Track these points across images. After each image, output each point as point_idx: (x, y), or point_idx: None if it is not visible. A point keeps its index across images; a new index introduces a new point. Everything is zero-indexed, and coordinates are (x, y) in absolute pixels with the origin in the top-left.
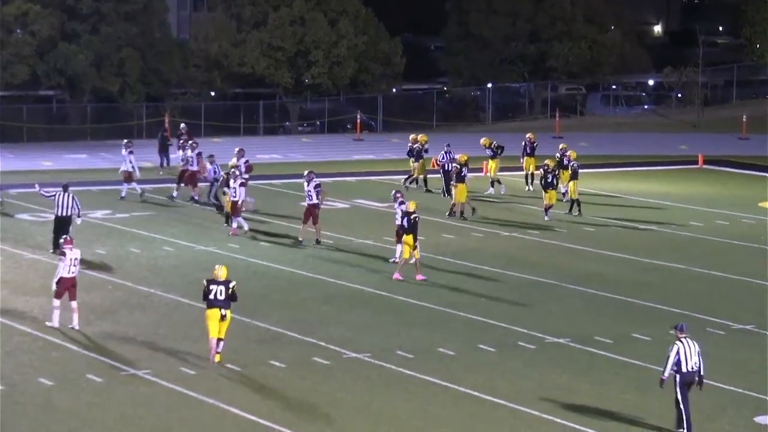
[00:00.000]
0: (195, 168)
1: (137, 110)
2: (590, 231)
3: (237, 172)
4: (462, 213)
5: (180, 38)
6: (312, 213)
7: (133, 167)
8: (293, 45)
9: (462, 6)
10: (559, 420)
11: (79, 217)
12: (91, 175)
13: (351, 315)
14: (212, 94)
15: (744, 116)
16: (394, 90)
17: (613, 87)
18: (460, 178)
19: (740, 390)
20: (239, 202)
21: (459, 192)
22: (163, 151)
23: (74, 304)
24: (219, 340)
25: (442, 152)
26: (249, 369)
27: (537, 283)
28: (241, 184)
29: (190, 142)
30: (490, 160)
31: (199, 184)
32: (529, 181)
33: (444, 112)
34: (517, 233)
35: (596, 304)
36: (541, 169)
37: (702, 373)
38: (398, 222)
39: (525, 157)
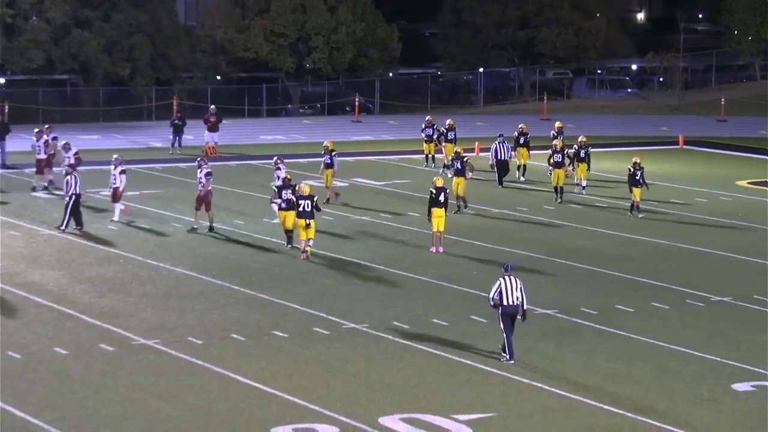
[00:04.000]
0: (42, 156)
1: (147, 93)
2: (576, 208)
3: (119, 159)
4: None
5: (187, 25)
6: (204, 200)
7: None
8: (295, 31)
9: None
10: (546, 387)
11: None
12: (103, 155)
13: (350, 288)
14: (218, 77)
15: (722, 99)
16: (390, 74)
17: (599, 71)
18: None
19: (719, 359)
20: (121, 189)
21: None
22: (177, 132)
23: None
24: (309, 239)
25: (496, 142)
26: (253, 338)
27: (526, 258)
28: (122, 172)
29: (38, 129)
30: (446, 144)
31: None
32: (521, 171)
33: (438, 95)
34: (507, 210)
35: (582, 278)
36: (630, 167)
37: (525, 306)
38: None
39: (518, 148)
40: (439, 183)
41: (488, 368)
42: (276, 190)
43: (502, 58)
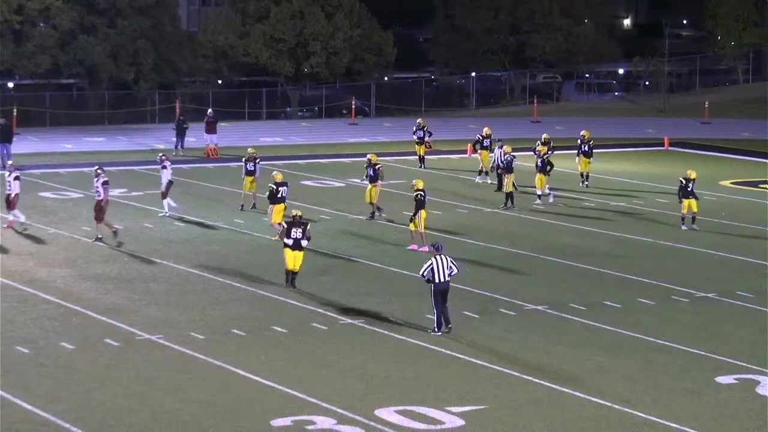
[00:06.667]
0: None
1: (150, 97)
2: (566, 207)
3: (14, 166)
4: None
5: (190, 31)
6: (100, 209)
7: None
8: (293, 37)
9: (448, 0)
10: (536, 380)
11: None
12: (108, 156)
13: (347, 284)
14: (219, 82)
15: (706, 102)
16: (385, 78)
17: (587, 75)
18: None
19: (702, 352)
20: (12, 195)
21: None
22: (180, 134)
23: None
24: (280, 224)
25: (497, 149)
26: (253, 333)
27: (517, 255)
28: (16, 178)
29: None
30: (482, 151)
31: None
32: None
33: (432, 99)
34: (498, 210)
35: (571, 274)
36: (682, 179)
37: (452, 274)
38: (164, 181)
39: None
40: (418, 185)
41: (480, 362)
42: (285, 226)
43: (493, 62)
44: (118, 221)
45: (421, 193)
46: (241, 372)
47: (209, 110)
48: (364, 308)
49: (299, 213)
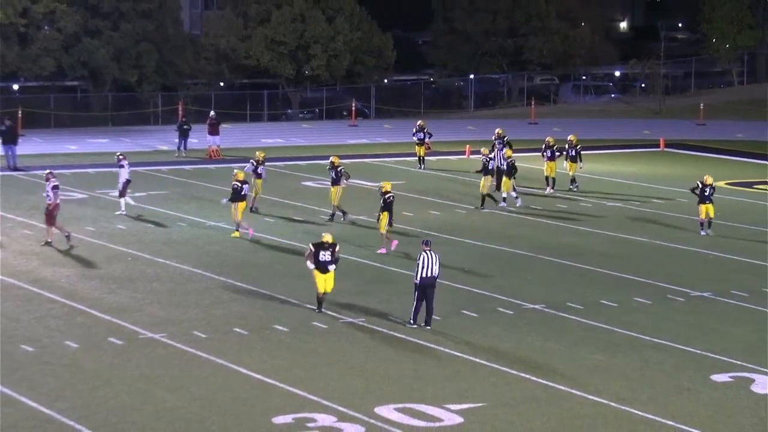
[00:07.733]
0: None
1: (153, 99)
2: (563, 207)
3: None
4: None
5: (192, 34)
6: (51, 214)
7: None
8: (294, 40)
9: (446, 4)
10: (534, 378)
11: None
12: (112, 158)
13: (346, 284)
14: (221, 84)
15: (701, 104)
16: (385, 80)
17: (584, 77)
18: (489, 172)
19: (698, 351)
20: None
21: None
22: (183, 135)
23: None
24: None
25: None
26: (255, 332)
27: (515, 255)
28: None
29: None
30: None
31: None
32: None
33: (431, 101)
34: (497, 210)
35: (568, 274)
36: (698, 182)
37: (437, 278)
38: (122, 180)
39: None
40: (389, 187)
41: (478, 360)
42: (313, 249)
43: (491, 64)
44: (121, 221)
45: (392, 195)
46: (243, 370)
47: (211, 112)
48: (364, 307)
49: (329, 239)
